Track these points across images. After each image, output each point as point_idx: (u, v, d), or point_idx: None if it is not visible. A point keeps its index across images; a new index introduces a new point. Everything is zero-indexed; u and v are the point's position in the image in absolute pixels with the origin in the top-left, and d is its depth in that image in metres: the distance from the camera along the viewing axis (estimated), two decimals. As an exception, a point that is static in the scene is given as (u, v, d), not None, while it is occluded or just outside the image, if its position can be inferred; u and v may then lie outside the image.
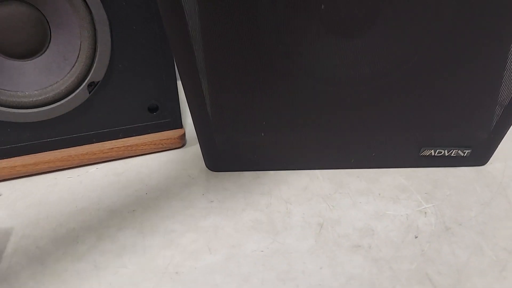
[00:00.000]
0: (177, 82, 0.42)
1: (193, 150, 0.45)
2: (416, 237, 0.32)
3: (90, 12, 0.37)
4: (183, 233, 0.34)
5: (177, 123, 0.44)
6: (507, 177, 0.38)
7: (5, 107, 0.38)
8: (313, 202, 0.36)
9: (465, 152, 0.38)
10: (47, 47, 0.39)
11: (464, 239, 0.32)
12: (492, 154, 0.39)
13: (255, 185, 0.39)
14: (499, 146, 0.41)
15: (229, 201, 0.37)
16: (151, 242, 0.33)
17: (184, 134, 0.45)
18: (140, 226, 0.35)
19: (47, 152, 0.41)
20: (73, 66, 0.39)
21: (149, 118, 0.43)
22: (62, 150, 0.41)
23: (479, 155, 0.38)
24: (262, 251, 0.32)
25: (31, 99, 0.39)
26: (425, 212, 0.34)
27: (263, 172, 0.40)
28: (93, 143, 0.42)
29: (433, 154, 0.38)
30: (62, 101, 0.39)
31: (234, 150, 0.39)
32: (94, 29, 0.38)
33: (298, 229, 0.34)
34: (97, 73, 0.39)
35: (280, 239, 0.33)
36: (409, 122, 0.36)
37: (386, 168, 0.40)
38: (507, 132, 0.44)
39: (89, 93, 0.40)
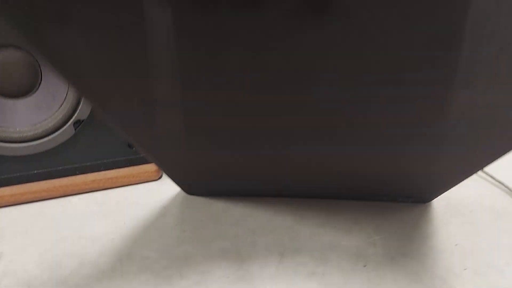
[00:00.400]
0: (157, 120, 0.46)
1: (168, 183, 0.49)
2: (364, 266, 0.36)
3: (79, 59, 0.41)
4: (157, 259, 0.37)
5: (156, 157, 0.48)
6: (448, 214, 0.43)
7: (-3, 141, 0.42)
8: (276, 233, 0.40)
9: (409, 199, 0.43)
10: (38, 87, 0.43)
11: (406, 268, 0.36)
12: (437, 196, 0.44)
13: (225, 217, 0.43)
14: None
15: (200, 231, 0.41)
16: (128, 268, 0.36)
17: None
18: (118, 253, 0.38)
19: (34, 182, 0.45)
20: (61, 105, 0.43)
21: (129, 153, 0.47)
22: (48, 181, 0.45)
23: (423, 198, 0.43)
24: (228, 277, 0.35)
25: (21, 135, 0.42)
26: (374, 244, 0.39)
27: (233, 204, 0.44)
28: (76, 175, 0.46)
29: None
30: (50, 137, 0.43)
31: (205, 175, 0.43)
32: (82, 73, 0.42)
33: (261, 257, 0.37)
34: (82, 112, 0.43)
35: (245, 266, 0.37)
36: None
37: (340, 200, 0.44)
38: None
39: (75, 130, 0.44)
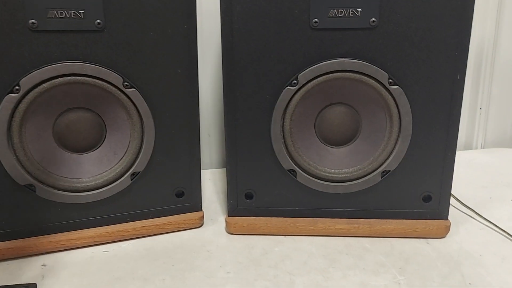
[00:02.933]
0: (200, 172, 0.53)
1: (209, 229, 0.54)
2: (394, 302, 0.41)
3: (141, 120, 0.48)
4: (208, 298, 0.41)
5: (198, 207, 0.53)
6: (461, 257, 0.48)
7: (62, 190, 0.47)
8: (311, 274, 0.45)
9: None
10: (102, 144, 0.49)
11: (430, 304, 0.41)
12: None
13: (264, 260, 0.47)
14: (455, 229, 0.52)
15: (242, 272, 0.45)
16: (182, 305, 0.40)
17: (203, 216, 0.54)
18: (171, 292, 0.42)
19: (88, 229, 0.49)
20: (120, 159, 0.49)
21: (176, 202, 0.52)
22: (101, 227, 0.50)
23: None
24: (273, 313, 0.40)
25: (83, 185, 0.48)
26: (399, 283, 0.44)
27: (270, 249, 0.49)
28: (127, 222, 0.51)
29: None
30: (108, 187, 0.49)
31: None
32: (142, 133, 0.49)
33: (301, 295, 0.42)
34: (139, 165, 0.49)
35: (287, 303, 0.41)
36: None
37: (369, 246, 0.49)
38: (462, 221, 0.55)
39: (131, 180, 0.49)
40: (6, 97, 0.43)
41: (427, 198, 0.51)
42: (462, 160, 0.80)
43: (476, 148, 0.89)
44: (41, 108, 0.46)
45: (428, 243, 0.50)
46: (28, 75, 0.43)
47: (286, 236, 0.52)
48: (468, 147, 0.88)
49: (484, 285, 0.43)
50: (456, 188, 0.66)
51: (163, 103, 0.49)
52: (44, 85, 0.44)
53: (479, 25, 0.81)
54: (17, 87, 0.44)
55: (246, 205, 0.52)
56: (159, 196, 0.51)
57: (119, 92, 0.47)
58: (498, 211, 0.59)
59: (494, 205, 0.61)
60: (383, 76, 0.47)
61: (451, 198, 0.58)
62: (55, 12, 0.43)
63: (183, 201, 0.53)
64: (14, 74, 0.43)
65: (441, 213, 0.51)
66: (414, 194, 0.51)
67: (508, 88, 0.86)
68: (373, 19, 0.46)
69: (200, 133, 0.77)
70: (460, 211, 0.58)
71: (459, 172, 0.73)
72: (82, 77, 0.45)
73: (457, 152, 0.84)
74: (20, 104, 0.44)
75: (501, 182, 0.69)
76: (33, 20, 0.43)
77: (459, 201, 0.60)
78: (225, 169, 0.78)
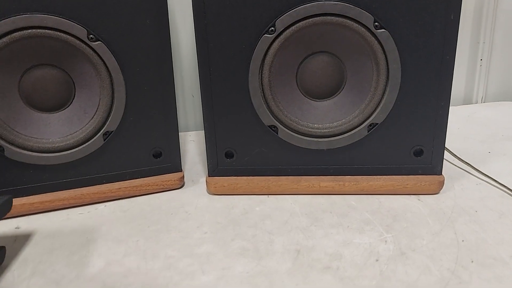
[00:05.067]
0: (179, 133, 0.50)
1: (189, 190, 0.52)
2: (376, 260, 0.38)
3: (110, 76, 0.45)
4: (181, 258, 0.40)
5: (177, 167, 0.51)
6: (455, 213, 0.45)
7: (31, 151, 0.45)
8: (292, 233, 0.43)
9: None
10: (71, 102, 0.47)
11: (416, 262, 0.38)
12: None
13: (244, 219, 0.45)
14: (450, 185, 0.49)
15: (220, 232, 0.43)
16: (152, 265, 0.39)
17: (183, 177, 0.52)
18: (143, 253, 0.40)
19: (62, 191, 0.48)
20: (91, 118, 0.47)
21: (153, 162, 0.50)
22: (76, 189, 0.48)
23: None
24: (247, 272, 0.38)
25: (53, 145, 0.46)
26: (385, 241, 0.41)
27: (251, 208, 0.47)
28: (103, 183, 0.49)
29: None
30: (80, 147, 0.47)
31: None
32: (112, 89, 0.46)
33: (278, 254, 0.40)
34: (111, 124, 0.47)
35: (263, 262, 0.39)
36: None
37: (355, 204, 0.47)
38: (457, 176, 0.52)
39: (104, 140, 0.47)
40: (-36, 53, 0.41)
41: (419, 152, 0.47)
42: (461, 114, 0.75)
43: (476, 102, 0.83)
44: (3, 65, 0.43)
45: (419, 199, 0.47)
46: (-14, 28, 0.41)
47: (269, 196, 0.49)
48: (467, 101, 0.83)
49: (478, 243, 0.40)
50: (453, 143, 0.62)
51: (132, 57, 0.46)
52: (4, 39, 0.42)
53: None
54: (-26, 41, 0.41)
55: (226, 165, 0.49)
56: (135, 156, 0.49)
57: (84, 45, 0.44)
58: (497, 166, 0.55)
59: (493, 159, 0.57)
60: (367, 18, 0.43)
61: (446, 153, 0.55)
62: (9, -45, 0.40)
63: (161, 162, 0.50)
64: (-30, 28, 0.41)
65: (434, 168, 0.47)
66: (404, 148, 0.47)
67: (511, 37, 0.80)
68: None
69: (184, 94, 0.74)
70: (456, 166, 0.55)
71: (457, 127, 0.69)
72: (42, 30, 0.42)
73: (455, 107, 0.80)
74: (-21, 61, 0.42)
75: (501, 136, 0.65)
76: (-14, -32, 0.40)
77: (455, 155, 0.56)
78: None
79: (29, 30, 0.42)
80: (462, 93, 0.83)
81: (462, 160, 0.54)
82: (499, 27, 0.79)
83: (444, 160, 0.48)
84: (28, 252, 0.41)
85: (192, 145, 0.67)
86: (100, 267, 0.39)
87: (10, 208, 0.39)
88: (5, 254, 0.40)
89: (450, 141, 0.62)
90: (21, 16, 0.42)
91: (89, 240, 0.43)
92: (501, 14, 0.78)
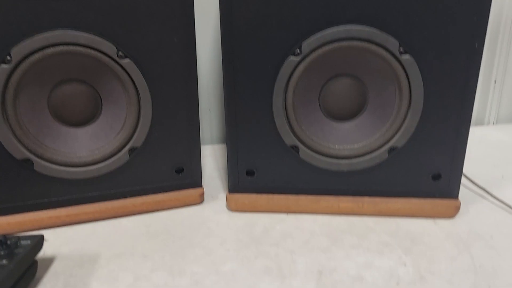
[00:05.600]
0: (200, 148, 0.51)
1: (209, 206, 0.53)
2: (397, 284, 0.39)
3: (138, 93, 0.46)
4: (206, 275, 0.41)
5: (198, 183, 0.52)
6: (471, 238, 0.46)
7: (59, 165, 0.46)
8: (313, 253, 0.44)
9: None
10: (98, 118, 0.48)
11: (435, 286, 0.39)
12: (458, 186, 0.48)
13: (266, 238, 0.46)
14: (465, 209, 0.50)
15: (243, 250, 0.44)
16: (180, 282, 0.40)
17: (203, 193, 0.53)
18: (170, 269, 0.41)
19: (88, 204, 0.49)
20: (117, 134, 0.48)
21: (175, 178, 0.51)
22: (100, 203, 0.49)
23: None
24: (272, 292, 0.39)
25: (80, 160, 0.47)
26: (405, 264, 0.42)
27: (272, 227, 0.48)
28: (126, 198, 0.50)
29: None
30: (106, 162, 0.48)
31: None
32: (139, 106, 0.47)
33: (301, 274, 0.41)
34: (137, 140, 0.48)
35: (287, 282, 0.40)
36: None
37: (373, 225, 0.48)
38: (472, 200, 0.53)
39: (129, 156, 0.48)
40: (-3, 68, 0.42)
41: (437, 177, 0.48)
42: (473, 136, 0.76)
43: (488, 123, 0.85)
44: (35, 80, 0.44)
45: (436, 223, 0.48)
46: (19, 45, 0.42)
47: (289, 214, 0.51)
48: (479, 122, 0.85)
49: (495, 268, 0.41)
50: (466, 165, 0.63)
51: (159, 74, 0.47)
52: (36, 55, 0.43)
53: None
54: (8, 57, 0.42)
55: (247, 182, 0.50)
56: (158, 172, 0.50)
57: (113, 62, 0.45)
58: (511, 191, 0.56)
59: (507, 184, 0.58)
60: (393, 44, 0.44)
61: (462, 176, 0.55)
62: (45, -23, 0.41)
63: (183, 177, 0.51)
64: (5, 43, 0.42)
65: (451, 192, 0.48)
66: (423, 172, 0.48)
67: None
68: (385, -18, 0.42)
69: (200, 108, 0.75)
70: (470, 190, 0.56)
71: (469, 149, 0.70)
72: (74, 47, 0.43)
73: None
74: (12, 75, 0.42)
75: (515, 159, 0.66)
76: (22, -13, 0.41)
77: (469, 179, 0.57)
78: (224, 145, 0.77)
79: (62, 47, 0.43)
80: (475, 113, 0.84)
81: (477, 184, 0.56)
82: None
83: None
84: (58, 265, 0.42)
85: (209, 159, 0.68)
86: (129, 282, 0.40)
87: (41, 249, 0.40)
88: (37, 267, 0.40)
89: (465, 164, 0.63)
90: (54, 32, 0.42)
91: (116, 255, 0.44)
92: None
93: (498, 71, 0.81)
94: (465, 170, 0.61)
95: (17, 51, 0.42)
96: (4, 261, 0.38)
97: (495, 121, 0.84)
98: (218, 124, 0.77)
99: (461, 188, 0.56)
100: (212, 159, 0.68)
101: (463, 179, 0.58)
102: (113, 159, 0.48)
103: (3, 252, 0.38)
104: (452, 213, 0.49)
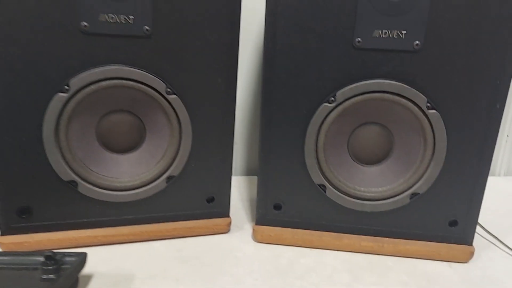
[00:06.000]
0: (231, 180, 0.54)
1: (236, 236, 0.55)
2: (416, 324, 0.42)
3: (180, 126, 0.50)
4: (236, 304, 0.43)
5: (226, 213, 0.55)
6: (484, 283, 0.49)
7: (101, 188, 0.49)
8: (336, 288, 0.46)
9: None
10: (141, 146, 0.51)
11: (452, 329, 0.42)
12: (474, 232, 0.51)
13: (290, 270, 0.49)
14: (478, 255, 0.53)
15: (270, 280, 0.47)
16: (211, 309, 0.42)
17: (230, 223, 0.56)
18: (201, 296, 0.44)
19: (123, 226, 0.51)
20: (157, 162, 0.51)
21: (206, 207, 0.54)
22: (135, 226, 0.52)
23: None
24: (298, 325, 0.41)
25: (122, 184, 0.50)
26: (422, 305, 0.45)
27: (296, 260, 0.51)
28: (160, 222, 0.53)
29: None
30: (145, 188, 0.51)
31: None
32: (180, 138, 0.50)
33: (325, 309, 0.43)
34: (175, 169, 0.51)
35: (312, 316, 0.42)
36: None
37: (392, 264, 0.50)
38: (485, 247, 0.56)
39: (166, 183, 0.51)
40: (56, 96, 0.45)
41: (454, 223, 0.51)
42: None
43: (499, 175, 0.89)
44: (87, 109, 0.47)
45: (450, 266, 0.51)
46: (78, 76, 0.45)
47: (312, 249, 0.53)
48: (491, 173, 0.88)
49: (505, 313, 0.44)
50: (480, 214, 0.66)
51: (202, 111, 0.50)
52: (92, 86, 0.46)
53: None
54: (66, 87, 0.45)
55: (274, 215, 0.53)
56: (191, 200, 0.53)
57: (162, 98, 0.48)
58: (521, 239, 0.59)
59: (518, 233, 0.61)
60: (421, 99, 0.47)
61: (476, 223, 0.58)
62: (106, 16, 0.45)
63: (213, 207, 0.54)
64: (64, 74, 0.45)
65: (466, 239, 0.52)
66: (441, 218, 0.51)
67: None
68: (417, 42, 0.46)
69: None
70: (483, 237, 0.59)
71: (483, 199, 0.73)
72: (128, 81, 0.47)
73: None
74: (68, 104, 0.46)
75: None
76: (85, 23, 0.44)
77: (483, 227, 0.60)
78: (249, 176, 0.80)
79: (116, 81, 0.46)
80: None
81: (489, 232, 0.59)
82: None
83: (474, 231, 0.52)
84: (95, 283, 0.44)
85: (233, 190, 0.71)
86: (162, 306, 0.42)
87: (84, 266, 0.43)
88: (78, 283, 0.43)
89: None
90: (110, 67, 0.46)
91: (150, 276, 0.46)
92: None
93: (510, 127, 0.85)
94: (479, 218, 0.64)
95: (74, 82, 0.45)
96: (52, 276, 0.41)
97: (506, 172, 0.88)
98: (242, 156, 0.80)
99: (475, 236, 0.59)
100: (236, 190, 0.71)
101: (477, 228, 0.61)
102: (151, 185, 0.51)
103: (52, 267, 0.41)
104: (466, 258, 0.52)
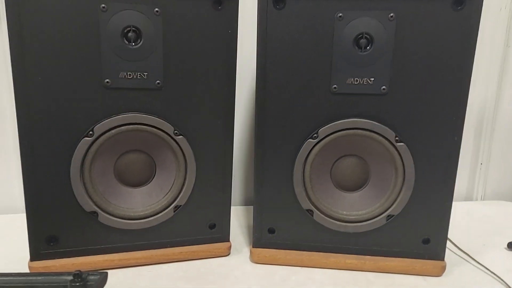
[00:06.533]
0: (231, 208, 0.62)
1: (235, 258, 0.62)
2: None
3: (186, 162, 0.58)
4: (236, 316, 0.50)
5: (227, 238, 0.62)
6: (455, 294, 0.55)
7: (118, 218, 0.57)
8: (323, 301, 0.53)
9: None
10: (151, 180, 0.59)
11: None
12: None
13: (284, 286, 0.55)
14: (450, 270, 0.60)
15: (265, 296, 0.53)
16: (215, 320, 0.49)
17: (230, 246, 0.63)
18: (205, 309, 0.50)
19: (136, 251, 0.58)
20: (166, 194, 0.59)
21: (208, 233, 0.61)
22: (146, 251, 0.59)
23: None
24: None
25: (135, 214, 0.58)
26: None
27: (288, 277, 0.57)
28: (167, 247, 0.60)
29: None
30: (155, 217, 0.58)
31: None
32: (186, 173, 0.58)
33: (314, 319, 0.50)
34: (181, 200, 0.59)
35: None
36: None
37: (373, 279, 0.57)
38: (457, 263, 0.63)
39: (173, 212, 0.59)
40: (82, 140, 0.54)
41: (426, 241, 0.58)
42: (463, 210, 0.87)
43: (476, 199, 0.96)
44: (107, 149, 0.56)
45: (425, 280, 0.58)
46: (101, 123, 0.54)
47: (302, 267, 0.60)
48: (468, 198, 0.96)
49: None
50: (455, 234, 0.73)
51: (204, 149, 0.59)
52: (112, 131, 0.55)
53: (483, 87, 0.90)
54: (91, 132, 0.54)
55: (268, 239, 0.61)
56: (195, 226, 0.60)
57: (170, 138, 0.57)
58: (490, 256, 0.66)
59: (487, 251, 0.68)
60: (390, 134, 0.56)
61: (449, 242, 0.66)
62: (125, 73, 0.54)
63: (215, 232, 0.62)
64: (89, 122, 0.54)
65: (438, 254, 0.58)
66: (415, 237, 0.59)
67: (508, 147, 0.95)
68: (384, 87, 0.55)
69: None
70: (456, 254, 0.66)
71: (459, 221, 0.80)
72: (142, 126, 0.56)
73: (458, 203, 0.92)
74: (92, 146, 0.54)
75: (495, 231, 0.76)
76: (107, 80, 0.54)
77: (456, 245, 0.67)
78: (246, 206, 0.87)
79: (132, 126, 0.55)
80: (464, 190, 0.95)
81: (461, 249, 0.66)
82: (497, 138, 0.93)
83: (446, 248, 0.59)
84: (116, 303, 0.51)
85: (232, 218, 0.78)
86: (172, 319, 0.49)
87: (105, 283, 0.50)
88: (99, 302, 0.50)
89: (453, 233, 0.73)
90: (127, 114, 0.55)
91: (159, 295, 0.53)
92: (499, 127, 0.93)
93: (483, 155, 0.93)
94: (454, 237, 0.71)
95: (98, 128, 0.54)
96: (79, 293, 0.47)
97: (482, 197, 0.96)
98: (240, 188, 0.88)
99: (449, 252, 0.66)
100: (235, 218, 0.79)
101: (450, 245, 0.67)
102: (161, 214, 0.58)
103: (79, 284, 0.47)
104: (439, 272, 0.58)
